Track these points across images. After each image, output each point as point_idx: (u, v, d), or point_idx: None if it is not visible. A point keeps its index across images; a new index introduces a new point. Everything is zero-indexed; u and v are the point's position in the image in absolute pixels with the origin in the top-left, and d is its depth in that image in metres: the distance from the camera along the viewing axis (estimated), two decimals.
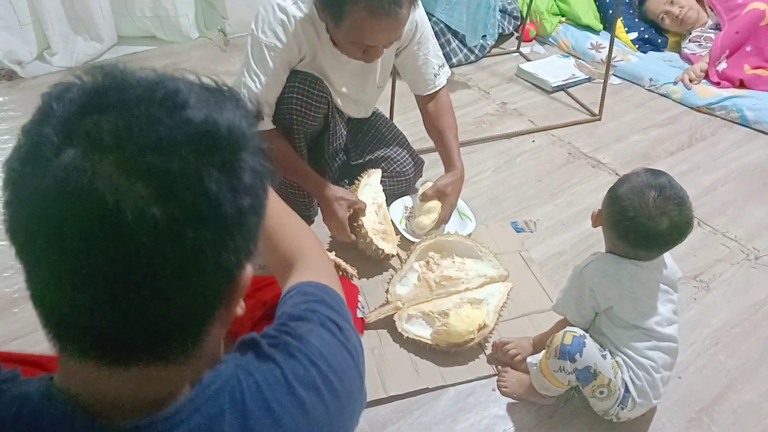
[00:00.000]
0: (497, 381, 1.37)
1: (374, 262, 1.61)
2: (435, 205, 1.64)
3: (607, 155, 2.16)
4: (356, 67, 1.53)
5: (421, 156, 1.86)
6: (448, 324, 1.37)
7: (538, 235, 1.78)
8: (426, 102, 1.65)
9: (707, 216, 1.87)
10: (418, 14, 1.53)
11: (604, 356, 1.19)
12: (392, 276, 1.48)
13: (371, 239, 1.49)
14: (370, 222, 1.54)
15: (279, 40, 1.40)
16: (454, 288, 1.47)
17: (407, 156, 1.78)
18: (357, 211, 1.51)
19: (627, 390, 1.19)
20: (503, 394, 1.35)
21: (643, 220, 1.13)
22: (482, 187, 1.97)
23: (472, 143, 2.18)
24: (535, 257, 1.70)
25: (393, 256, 1.56)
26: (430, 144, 2.09)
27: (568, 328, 1.22)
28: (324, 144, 1.64)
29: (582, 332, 1.21)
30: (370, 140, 1.78)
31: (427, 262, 1.50)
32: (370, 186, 1.63)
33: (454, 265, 1.50)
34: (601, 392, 1.19)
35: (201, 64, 2.60)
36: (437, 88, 1.64)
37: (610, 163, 2.12)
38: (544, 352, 1.25)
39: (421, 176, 1.86)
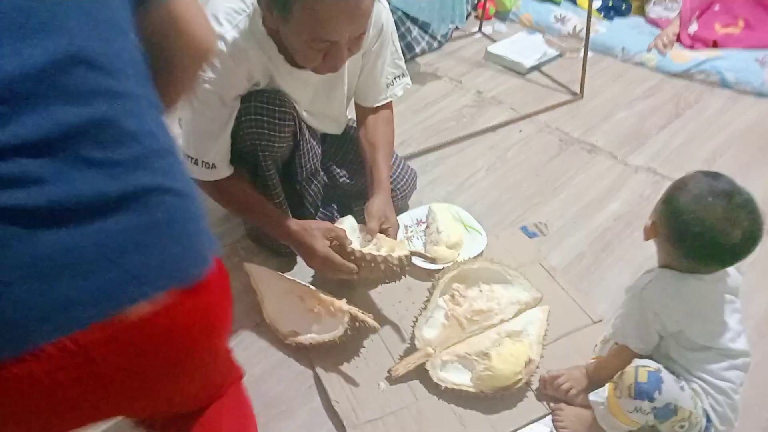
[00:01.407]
0: (553, 421, 1.22)
1: (389, 303, 1.41)
2: (456, 231, 1.45)
3: (599, 137, 2.03)
4: (320, 83, 1.32)
5: (409, 164, 1.66)
6: (492, 367, 1.20)
7: (551, 238, 1.64)
8: (367, 113, 1.43)
9: None
10: (384, 16, 1.33)
11: (681, 388, 1.05)
12: (416, 318, 1.29)
13: (378, 255, 1.22)
14: (363, 245, 1.32)
15: (216, 73, 1.18)
16: (488, 322, 1.30)
17: (398, 170, 1.58)
18: (338, 239, 1.24)
19: (709, 419, 1.06)
20: None
21: (714, 235, 0.98)
22: (480, 190, 1.81)
23: (458, 141, 2.01)
24: (555, 264, 1.55)
25: (413, 255, 1.33)
26: (416, 147, 1.95)
27: (639, 363, 1.07)
28: (296, 167, 1.42)
29: (656, 365, 1.06)
30: (354, 157, 1.57)
31: (453, 296, 1.32)
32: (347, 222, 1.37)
33: (482, 295, 1.33)
34: (682, 426, 1.06)
35: None
36: (387, 101, 1.43)
37: (605, 145, 1.99)
38: (610, 388, 1.11)
39: (415, 188, 1.66)
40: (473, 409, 1.23)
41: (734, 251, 1.00)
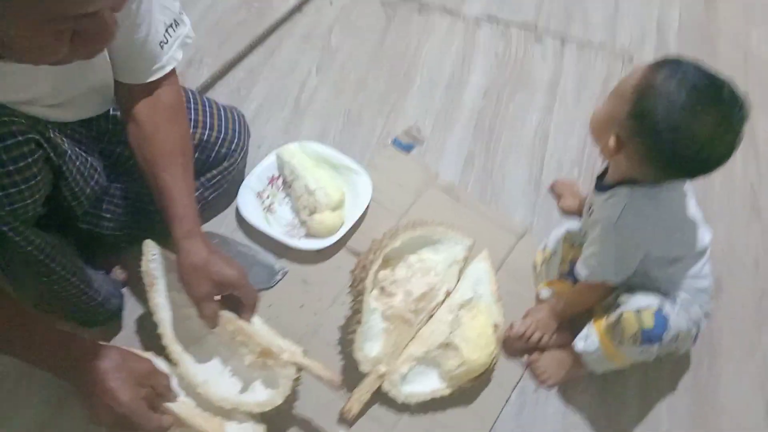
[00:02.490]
0: (535, 374, 1.07)
1: (295, 315, 1.06)
2: (331, 183, 1.16)
3: None
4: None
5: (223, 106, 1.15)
6: (466, 361, 0.98)
7: (430, 145, 1.37)
8: (136, 98, 0.87)
9: None
10: None
11: (680, 311, 0.94)
12: (352, 337, 0.96)
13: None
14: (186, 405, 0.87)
15: None
16: (434, 302, 1.03)
17: (226, 129, 1.10)
18: (159, 390, 0.82)
19: (699, 326, 0.98)
20: (548, 386, 1.06)
21: (708, 149, 0.80)
22: (322, 105, 1.41)
23: (262, 39, 1.51)
24: (449, 179, 1.31)
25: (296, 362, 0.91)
26: (211, 65, 1.42)
27: (636, 306, 0.92)
28: (67, 204, 0.88)
29: (655, 302, 0.92)
30: None
31: (383, 289, 1.01)
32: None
33: (413, 270, 1.04)
34: (680, 345, 0.97)
35: None
36: (164, 71, 0.86)
37: None
38: (602, 336, 0.97)
39: (249, 136, 1.20)
40: (454, 407, 1.03)
41: (726, 157, 0.82)
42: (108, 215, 1.01)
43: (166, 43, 0.84)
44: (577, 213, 1.24)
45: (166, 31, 0.84)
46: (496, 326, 1.02)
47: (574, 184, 1.29)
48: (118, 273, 1.08)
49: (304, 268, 1.13)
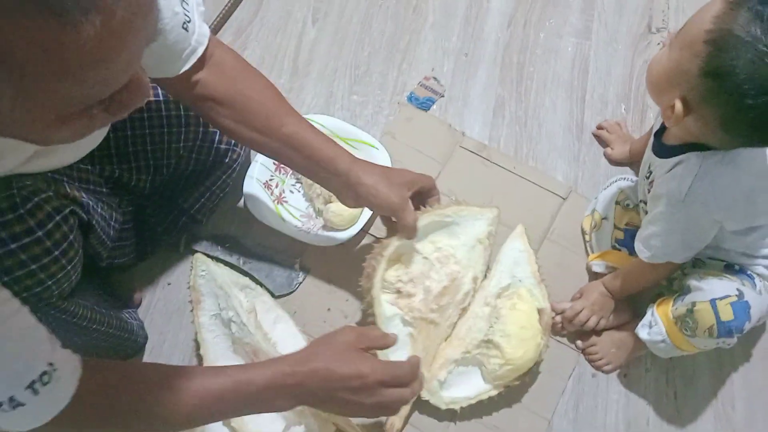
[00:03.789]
0: (591, 361, 0.97)
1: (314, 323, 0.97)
2: None
3: None
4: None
5: None
6: (510, 360, 0.88)
7: (452, 96, 1.20)
8: (189, 78, 0.75)
9: None
10: None
11: (760, 292, 0.81)
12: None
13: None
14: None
15: None
16: (460, 293, 0.92)
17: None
18: (374, 344, 0.76)
19: None
20: (606, 372, 0.97)
21: None
22: (324, 64, 1.23)
23: None
24: (477, 135, 1.15)
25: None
26: None
27: (715, 295, 0.79)
28: (94, 252, 0.80)
29: (735, 290, 0.79)
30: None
31: (399, 292, 0.91)
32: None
33: (430, 262, 0.92)
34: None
35: None
36: (201, 50, 0.73)
37: None
38: (669, 327, 0.85)
39: None
40: (504, 407, 0.94)
41: None
42: (120, 243, 0.92)
43: (189, 21, 0.70)
44: (629, 162, 1.09)
45: (183, 8, 0.69)
46: (541, 312, 0.91)
47: (622, 125, 1.13)
48: (136, 298, 1.02)
49: (326, 265, 1.03)
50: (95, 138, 0.73)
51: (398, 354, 0.87)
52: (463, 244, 0.94)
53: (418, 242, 0.92)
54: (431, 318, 0.90)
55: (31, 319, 0.57)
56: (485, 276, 0.95)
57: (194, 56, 0.72)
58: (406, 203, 0.85)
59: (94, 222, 0.72)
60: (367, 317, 0.89)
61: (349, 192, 0.83)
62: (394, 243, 0.88)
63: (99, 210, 0.75)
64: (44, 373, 0.55)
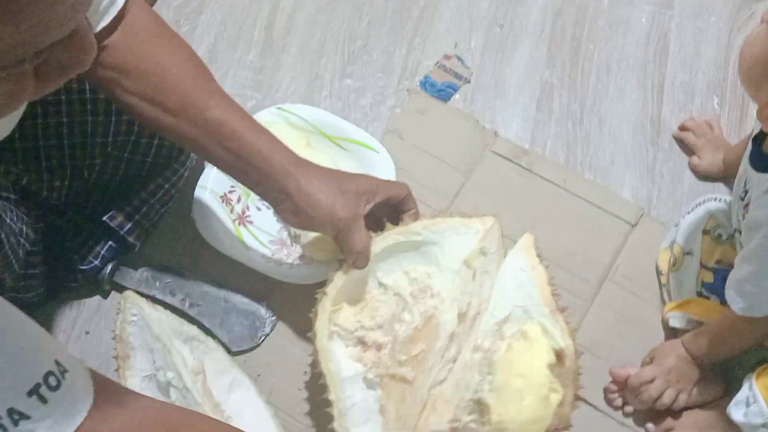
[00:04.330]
0: None
1: None
2: None
3: None
4: None
5: None
6: (499, 424, 0.87)
7: (481, 81, 1.25)
8: (100, 40, 0.79)
9: None
10: None
11: None
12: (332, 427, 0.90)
13: None
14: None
15: None
16: (444, 336, 0.93)
17: None
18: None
19: None
20: None
21: None
22: (303, 35, 1.30)
23: None
24: (513, 135, 1.20)
25: None
26: None
27: None
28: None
29: None
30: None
31: (363, 342, 0.94)
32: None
33: (397, 300, 0.95)
34: None
35: None
36: (119, 5, 0.79)
37: None
38: (767, 394, 0.86)
39: None
40: None
41: None
42: (26, 272, 0.94)
43: None
44: (722, 177, 1.13)
45: None
46: (560, 355, 0.90)
47: (714, 126, 1.16)
48: None
49: (304, 310, 1.01)
50: (8, 122, 0.78)
51: (367, 428, 0.90)
52: (442, 271, 0.96)
53: (385, 273, 0.95)
54: (402, 374, 0.91)
55: (21, 315, 0.59)
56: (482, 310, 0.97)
57: (114, 8, 0.76)
58: (353, 220, 0.86)
59: (2, 235, 0.74)
60: (317, 381, 0.91)
61: (287, 203, 0.85)
62: (340, 277, 0.91)
63: (8, 220, 0.79)
64: (50, 373, 0.56)
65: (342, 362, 0.92)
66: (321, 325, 0.90)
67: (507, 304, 0.95)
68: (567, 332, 0.91)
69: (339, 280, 0.91)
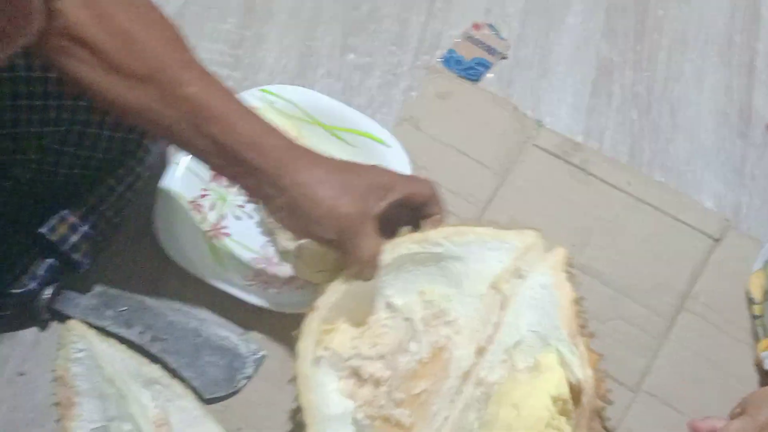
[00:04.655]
0: None
1: None
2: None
3: None
4: None
5: None
6: None
7: (520, 57, 1.27)
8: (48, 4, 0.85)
9: None
10: None
11: None
12: None
13: None
14: None
15: None
16: (455, 376, 0.94)
17: None
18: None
19: None
20: None
21: None
22: (293, 1, 1.32)
23: None
24: (565, 129, 1.21)
25: None
26: None
27: None
28: None
29: None
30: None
31: (358, 374, 0.95)
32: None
33: (415, 327, 0.96)
34: None
35: None
36: None
37: None
38: None
39: None
40: None
41: None
42: None
43: None
44: None
45: None
46: (575, 389, 0.90)
47: None
48: None
49: (291, 343, 1.02)
50: None
51: None
52: (463, 293, 0.97)
53: (398, 292, 0.96)
54: (397, 417, 0.92)
55: None
56: None
57: None
58: (361, 220, 0.87)
59: None
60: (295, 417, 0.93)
61: (281, 199, 0.86)
62: (339, 289, 0.91)
63: None
64: None
65: (330, 396, 0.92)
66: (305, 346, 0.90)
67: (520, 329, 0.94)
68: (588, 361, 0.91)
69: (335, 293, 0.91)
